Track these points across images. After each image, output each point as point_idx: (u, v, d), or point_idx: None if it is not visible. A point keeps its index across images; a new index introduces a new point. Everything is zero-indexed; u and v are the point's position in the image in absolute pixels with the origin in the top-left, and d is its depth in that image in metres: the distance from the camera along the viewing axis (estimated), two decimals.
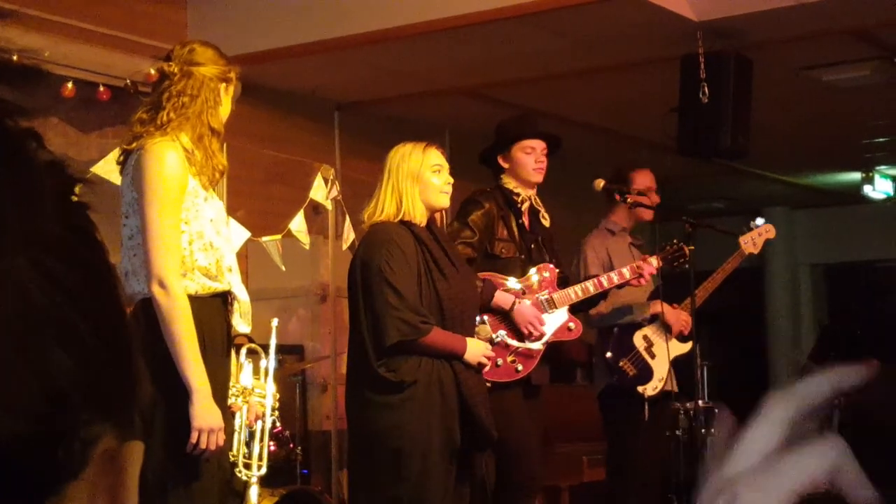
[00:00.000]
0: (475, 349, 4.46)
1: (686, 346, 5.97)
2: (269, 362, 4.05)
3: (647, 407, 5.79)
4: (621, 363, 5.85)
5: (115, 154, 4.84)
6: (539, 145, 5.28)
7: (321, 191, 5.89)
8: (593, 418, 6.13)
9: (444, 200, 4.56)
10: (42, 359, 0.55)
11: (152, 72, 6.61)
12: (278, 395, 4.06)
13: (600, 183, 5.72)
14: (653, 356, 5.91)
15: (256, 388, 3.94)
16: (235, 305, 3.75)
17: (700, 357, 5.90)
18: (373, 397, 4.32)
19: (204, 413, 3.52)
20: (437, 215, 4.63)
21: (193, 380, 3.51)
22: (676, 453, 6.03)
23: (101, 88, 6.55)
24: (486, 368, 4.61)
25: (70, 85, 6.33)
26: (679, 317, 5.95)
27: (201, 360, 3.54)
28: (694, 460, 5.91)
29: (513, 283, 5.17)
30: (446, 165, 4.57)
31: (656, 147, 7.64)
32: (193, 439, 3.51)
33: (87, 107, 6.56)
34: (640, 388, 5.82)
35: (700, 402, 5.98)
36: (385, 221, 4.43)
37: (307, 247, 5.83)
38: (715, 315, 6.35)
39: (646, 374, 5.88)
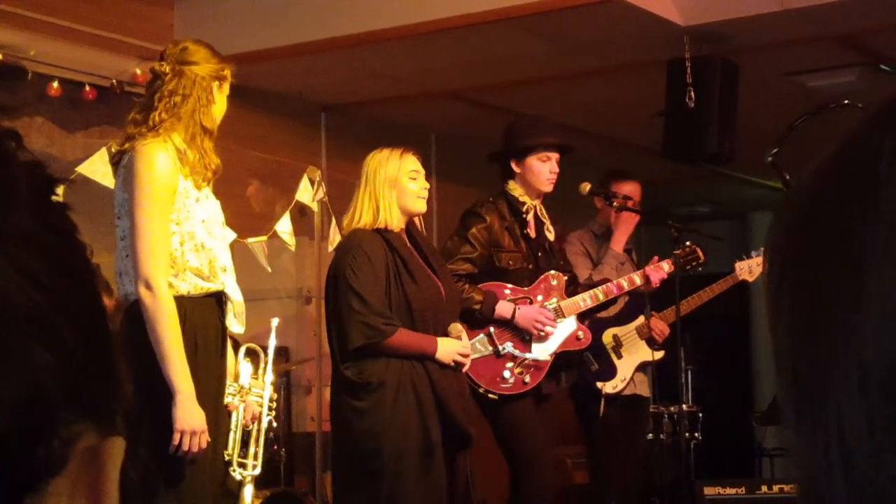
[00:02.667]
0: (447, 348, 4.47)
1: (658, 354, 5.96)
2: (268, 362, 4.05)
3: (603, 403, 5.78)
4: (583, 356, 5.84)
5: (100, 154, 4.84)
6: (554, 154, 5.24)
7: (307, 192, 5.89)
8: (576, 420, 6.14)
9: (420, 206, 4.58)
10: (21, 355, 0.55)
11: (138, 72, 6.61)
12: (276, 396, 4.06)
13: (586, 186, 5.72)
14: (619, 356, 5.91)
15: (254, 388, 3.94)
16: (229, 306, 3.75)
17: (684, 361, 5.90)
18: (346, 400, 4.39)
19: (186, 415, 3.53)
20: (416, 219, 4.65)
21: (177, 381, 3.52)
22: (660, 457, 6.04)
23: (87, 88, 6.54)
24: (466, 367, 4.61)
25: (56, 84, 6.31)
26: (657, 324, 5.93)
27: (185, 362, 3.55)
28: (677, 464, 5.92)
29: (514, 290, 5.15)
30: (422, 171, 4.60)
31: (642, 151, 7.66)
32: (175, 441, 3.52)
33: (72, 106, 6.55)
34: (598, 384, 5.82)
35: (684, 405, 6.00)
36: (358, 229, 4.46)
37: (293, 248, 5.83)
38: (699, 320, 6.36)
39: (608, 371, 5.87)
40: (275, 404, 4.04)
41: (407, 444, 4.33)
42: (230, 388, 3.85)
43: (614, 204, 5.86)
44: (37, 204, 0.59)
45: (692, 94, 6.47)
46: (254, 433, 3.93)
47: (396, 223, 4.50)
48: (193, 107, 3.75)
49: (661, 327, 5.94)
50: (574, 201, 5.94)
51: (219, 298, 3.77)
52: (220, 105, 3.85)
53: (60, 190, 0.63)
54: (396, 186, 4.49)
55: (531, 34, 6.62)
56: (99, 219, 3.73)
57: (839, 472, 0.56)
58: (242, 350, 3.98)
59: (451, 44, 6.74)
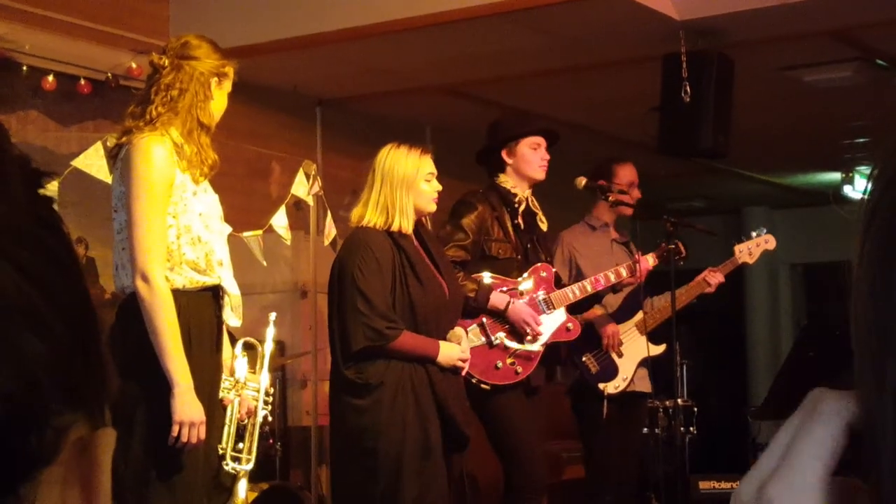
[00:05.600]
0: (448, 352, 4.49)
1: (659, 349, 5.96)
2: (265, 356, 4.05)
3: (605, 405, 5.77)
4: (584, 358, 5.84)
5: (95, 148, 4.83)
6: (542, 142, 5.31)
7: (303, 186, 5.88)
8: (571, 416, 6.14)
9: (433, 206, 4.60)
10: (15, 344, 0.55)
11: (133, 65, 6.60)
12: (273, 390, 4.05)
13: (582, 181, 5.72)
14: (620, 355, 5.90)
15: (250, 382, 3.93)
16: (226, 299, 3.76)
17: (679, 356, 5.90)
18: (346, 399, 4.39)
19: (185, 407, 3.53)
20: (423, 218, 4.66)
21: (175, 373, 3.53)
22: (655, 451, 6.05)
23: (82, 82, 6.52)
24: (464, 371, 4.63)
25: (51, 78, 6.30)
26: (609, 331, 5.91)
27: (183, 354, 3.56)
28: (672, 458, 5.93)
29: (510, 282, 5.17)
30: (436, 171, 4.59)
31: (637, 146, 7.65)
32: (174, 433, 3.53)
33: (67, 100, 6.54)
34: (601, 386, 5.81)
35: (679, 400, 6.00)
36: (368, 227, 4.45)
37: (288, 242, 5.83)
38: (694, 314, 6.37)
39: (610, 371, 5.86)
40: (271, 398, 4.04)
41: (405, 444, 4.34)
42: (226, 381, 3.85)
43: (609, 199, 5.87)
44: (26, 197, 0.59)
45: (688, 88, 6.46)
46: (249, 427, 3.93)
47: (409, 223, 4.49)
48: (190, 101, 3.75)
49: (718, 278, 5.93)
50: (570, 196, 5.95)
51: (215, 292, 3.78)
52: (218, 101, 3.85)
53: (54, 185, 0.63)
54: (413, 188, 4.48)
55: (526, 28, 6.62)
56: (94, 213, 3.74)
57: (891, 419, 0.57)
58: (240, 344, 3.97)
59: (446, 38, 6.74)
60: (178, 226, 3.67)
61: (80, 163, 4.94)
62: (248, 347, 4.03)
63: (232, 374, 3.90)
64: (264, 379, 4.00)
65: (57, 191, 4.02)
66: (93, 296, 0.63)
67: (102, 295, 5.38)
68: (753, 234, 6.06)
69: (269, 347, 4.09)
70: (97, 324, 0.62)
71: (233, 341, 3.98)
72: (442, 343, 4.49)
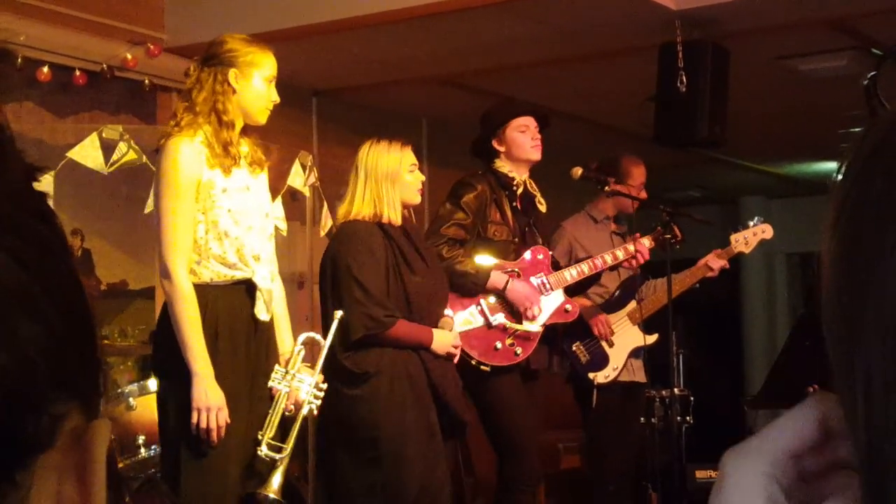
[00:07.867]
0: (442, 339, 4.54)
1: (651, 339, 5.96)
2: (323, 350, 4.15)
3: (595, 394, 5.78)
4: (574, 347, 5.84)
5: (91, 139, 4.88)
6: (531, 122, 5.31)
7: (299, 177, 5.88)
8: (569, 405, 6.14)
9: (418, 198, 4.66)
10: (10, 326, 0.56)
11: (129, 56, 6.60)
12: (325, 385, 4.12)
13: (578, 171, 5.71)
14: (611, 344, 5.90)
15: (299, 375, 4.01)
16: (258, 293, 3.86)
17: (675, 345, 5.91)
18: (342, 389, 4.41)
19: (203, 394, 3.71)
20: (406, 211, 4.68)
21: (193, 363, 3.72)
22: (651, 441, 6.06)
23: (78, 73, 6.52)
24: (456, 359, 4.65)
25: (46, 69, 6.29)
26: (598, 319, 5.90)
27: (203, 345, 3.73)
28: (669, 448, 5.94)
29: (507, 265, 5.18)
30: (417, 162, 4.64)
31: (634, 136, 7.65)
32: (194, 419, 3.71)
33: (63, 91, 6.53)
34: (590, 375, 5.82)
35: (675, 389, 6.01)
36: (357, 220, 4.49)
37: (285, 233, 5.83)
38: (690, 304, 6.37)
39: (600, 361, 5.86)
40: (322, 393, 4.09)
41: (405, 431, 4.36)
42: (277, 372, 3.96)
43: (606, 190, 5.86)
44: (22, 190, 0.60)
45: (684, 78, 6.46)
46: (299, 419, 4.01)
47: (396, 216, 4.53)
48: (209, 99, 3.88)
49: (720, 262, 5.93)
50: (567, 187, 5.95)
51: (249, 286, 3.89)
52: (245, 94, 3.95)
53: (48, 179, 0.63)
54: (398, 181, 4.53)
55: (522, 18, 6.61)
56: (90, 204, 3.79)
57: (862, 420, 0.57)
58: (302, 336, 4.08)
59: (442, 29, 6.73)
60: (207, 221, 3.82)
61: (75, 154, 4.95)
62: (309, 343, 4.14)
63: (286, 365, 4.00)
64: (317, 373, 4.09)
65: (51, 184, 4.06)
66: (87, 287, 0.63)
67: (98, 287, 5.38)
68: (750, 223, 6.04)
69: (329, 343, 4.19)
70: (92, 316, 0.62)
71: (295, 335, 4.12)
72: (435, 331, 4.54)
